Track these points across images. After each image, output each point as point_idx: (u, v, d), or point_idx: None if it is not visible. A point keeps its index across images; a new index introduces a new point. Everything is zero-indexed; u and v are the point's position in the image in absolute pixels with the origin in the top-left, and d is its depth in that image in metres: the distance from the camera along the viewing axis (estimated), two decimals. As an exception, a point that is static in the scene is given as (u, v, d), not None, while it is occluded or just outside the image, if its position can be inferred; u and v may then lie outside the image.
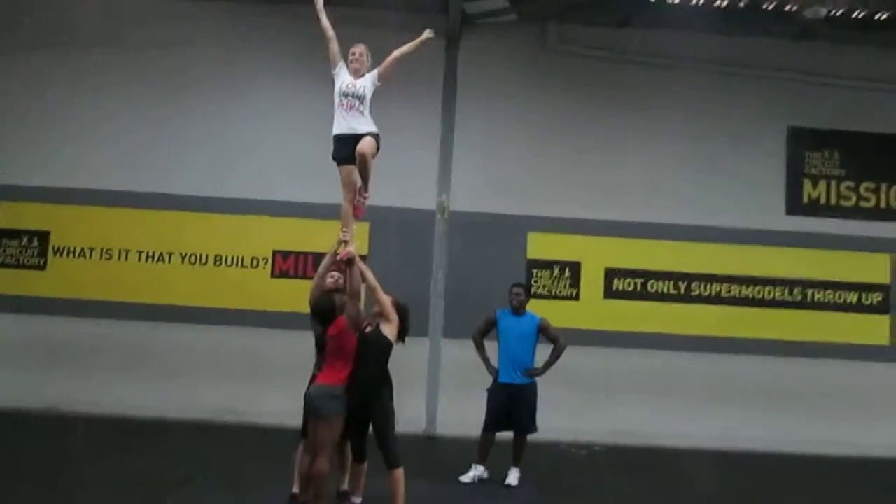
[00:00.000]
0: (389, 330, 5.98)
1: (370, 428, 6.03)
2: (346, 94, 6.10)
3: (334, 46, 6.29)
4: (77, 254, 10.58)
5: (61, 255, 10.57)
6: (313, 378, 6.09)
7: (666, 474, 8.79)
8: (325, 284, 6.22)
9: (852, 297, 10.88)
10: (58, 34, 10.81)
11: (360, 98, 6.09)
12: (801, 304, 10.83)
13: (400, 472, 5.93)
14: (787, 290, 10.85)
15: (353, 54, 6.25)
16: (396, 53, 6.28)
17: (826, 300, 10.87)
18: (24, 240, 10.58)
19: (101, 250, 10.60)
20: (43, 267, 10.56)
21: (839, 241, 10.88)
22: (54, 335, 10.29)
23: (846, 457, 9.92)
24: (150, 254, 10.61)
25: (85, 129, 10.71)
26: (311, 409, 5.86)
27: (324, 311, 5.90)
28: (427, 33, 6.39)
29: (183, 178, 10.63)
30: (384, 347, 5.99)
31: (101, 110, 10.73)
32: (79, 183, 10.57)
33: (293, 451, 6.29)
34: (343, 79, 6.18)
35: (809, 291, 10.87)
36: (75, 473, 7.32)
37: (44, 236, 10.58)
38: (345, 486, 6.46)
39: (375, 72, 6.20)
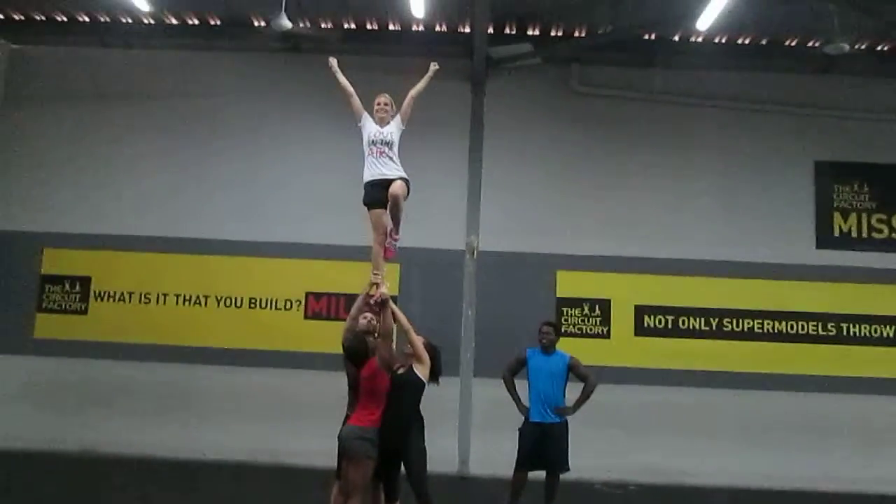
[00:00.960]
0: (422, 371, 6.04)
1: (402, 468, 6.08)
2: (374, 143, 6.30)
3: (356, 102, 6.53)
4: (117, 298, 10.87)
5: (102, 299, 10.87)
6: (346, 418, 6.17)
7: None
8: (358, 326, 6.33)
9: (888, 331, 10.73)
10: (99, 86, 11.32)
11: (389, 144, 6.29)
12: (836, 339, 10.69)
13: None
14: (820, 325, 10.73)
15: (379, 104, 6.47)
16: (413, 92, 6.51)
17: (861, 334, 10.73)
18: (67, 285, 10.90)
19: (141, 294, 10.88)
20: (85, 312, 10.85)
21: (872, 274, 10.77)
22: (94, 378, 10.55)
23: (885, 494, 9.69)
24: (187, 297, 10.86)
25: (122, 177, 11.11)
26: (344, 451, 5.92)
27: (356, 353, 5.97)
28: (433, 66, 6.59)
29: (217, 222, 10.91)
30: (417, 388, 6.03)
31: (137, 157, 11.14)
32: (118, 229, 10.91)
33: (329, 492, 6.35)
34: (370, 129, 6.39)
35: (843, 325, 10.73)
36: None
37: (86, 282, 10.90)
38: None
39: (398, 116, 6.41)
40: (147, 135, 11.19)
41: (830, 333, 10.71)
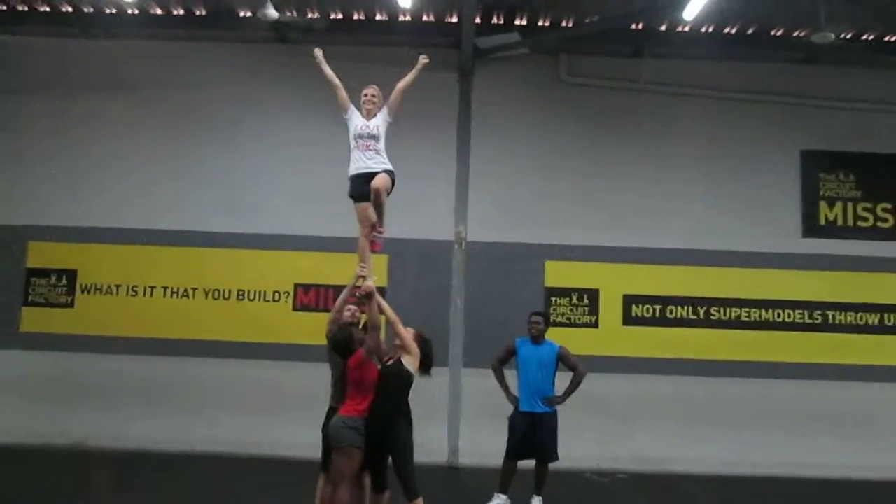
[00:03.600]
0: (410, 362, 6.05)
1: (389, 459, 6.10)
2: (360, 136, 6.28)
3: (341, 93, 6.49)
4: (104, 291, 10.81)
5: (89, 292, 10.81)
6: (331, 410, 6.17)
7: (689, 501, 8.75)
8: (343, 318, 6.33)
9: (873, 319, 10.82)
10: (79, 77, 11.19)
11: (375, 137, 6.27)
12: (822, 327, 10.78)
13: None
14: (806, 313, 10.81)
15: (366, 96, 6.44)
16: (401, 85, 6.47)
17: (846, 322, 10.81)
18: (53, 278, 10.82)
19: (128, 287, 10.82)
20: (71, 305, 10.78)
21: (858, 263, 10.86)
22: (81, 371, 10.50)
23: (871, 480, 9.81)
24: (175, 290, 10.81)
25: (107, 168, 10.99)
26: (331, 441, 5.94)
27: (342, 344, 5.99)
28: (422, 59, 6.54)
29: (204, 214, 10.86)
30: (405, 380, 6.04)
31: (122, 148, 11.03)
32: (104, 222, 10.84)
33: (315, 483, 6.36)
34: (356, 121, 6.36)
35: (829, 314, 10.82)
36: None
37: (72, 275, 10.83)
38: None
39: (385, 109, 6.38)
40: (133, 126, 11.09)
41: (817, 322, 10.79)
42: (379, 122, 6.33)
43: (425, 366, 6.20)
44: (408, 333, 6.07)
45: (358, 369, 5.89)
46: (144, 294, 10.80)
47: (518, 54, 10.78)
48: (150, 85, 11.12)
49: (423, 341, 6.19)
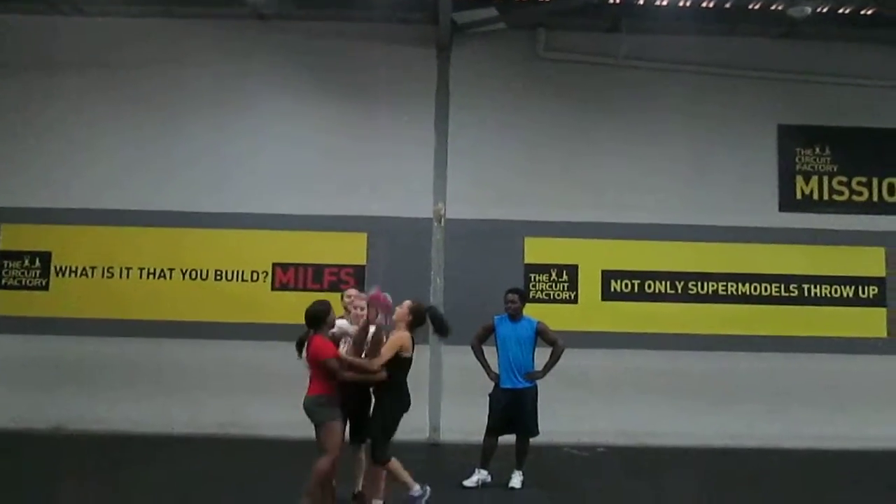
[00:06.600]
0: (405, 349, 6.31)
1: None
2: None
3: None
4: (79, 273, 10.68)
5: (63, 275, 10.67)
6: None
7: (668, 474, 8.87)
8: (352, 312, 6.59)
9: (848, 291, 10.95)
10: (51, 55, 10.95)
11: None
12: (798, 300, 10.89)
13: (382, 468, 6.25)
14: (783, 287, 10.91)
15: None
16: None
17: (822, 295, 10.93)
18: (26, 261, 10.66)
19: (103, 269, 10.69)
20: (46, 287, 10.64)
21: (833, 236, 10.97)
22: (58, 355, 10.40)
23: (847, 450, 10.01)
24: (151, 271, 10.69)
25: (81, 149, 10.81)
26: (311, 420, 6.06)
27: (314, 315, 6.09)
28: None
29: (181, 194, 10.72)
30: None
31: (97, 129, 10.85)
32: (78, 203, 10.68)
33: (307, 462, 6.40)
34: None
35: (805, 287, 10.92)
36: (82, 491, 7.41)
37: (45, 257, 10.67)
38: (359, 488, 6.68)
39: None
40: (107, 106, 10.88)
41: (793, 295, 10.90)
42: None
43: (442, 331, 6.64)
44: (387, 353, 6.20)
45: (314, 354, 6.00)
46: (120, 276, 10.68)
47: (496, 29, 10.73)
48: (127, 64, 10.89)
49: (420, 311, 6.48)
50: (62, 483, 7.63)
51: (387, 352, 6.19)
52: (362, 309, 6.40)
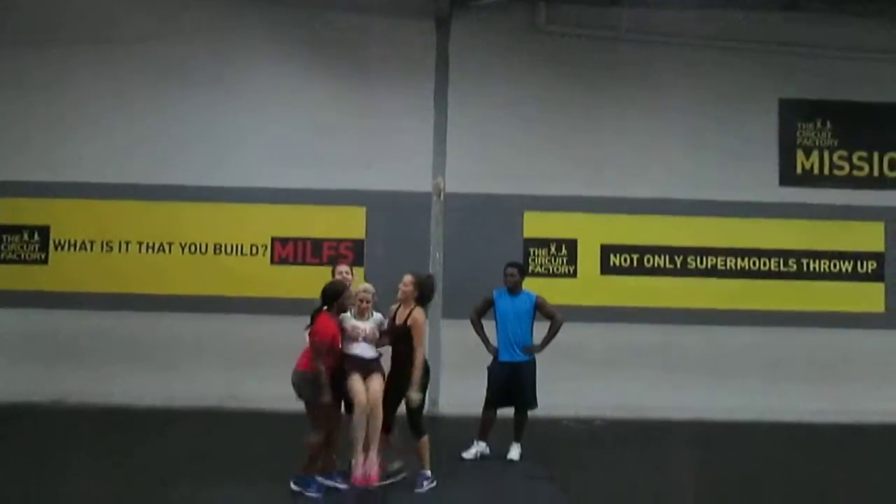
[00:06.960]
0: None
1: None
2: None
3: None
4: (78, 247, 10.66)
5: (62, 249, 10.65)
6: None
7: (666, 447, 8.92)
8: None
9: (847, 266, 10.96)
10: (50, 30, 10.82)
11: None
12: (797, 275, 10.90)
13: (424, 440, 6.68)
14: (782, 261, 10.91)
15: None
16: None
17: (821, 270, 10.94)
18: (25, 235, 10.65)
19: (102, 243, 10.67)
20: (45, 261, 10.64)
21: (833, 211, 10.95)
22: (58, 329, 10.42)
23: (845, 424, 10.05)
24: (151, 245, 10.68)
25: (81, 123, 10.74)
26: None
27: (330, 293, 6.22)
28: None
29: (180, 169, 10.67)
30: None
31: (96, 104, 10.76)
32: (77, 177, 10.63)
33: (300, 435, 6.44)
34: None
35: (804, 261, 10.93)
36: (82, 464, 7.45)
37: (44, 231, 10.66)
38: (395, 466, 6.76)
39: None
40: (106, 81, 10.76)
41: (792, 269, 10.91)
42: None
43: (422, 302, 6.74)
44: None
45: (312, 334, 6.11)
46: (120, 250, 10.67)
47: (496, 2, 10.62)
48: (126, 39, 10.77)
49: (423, 283, 6.72)
50: (62, 456, 7.66)
51: (422, 341, 6.53)
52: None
